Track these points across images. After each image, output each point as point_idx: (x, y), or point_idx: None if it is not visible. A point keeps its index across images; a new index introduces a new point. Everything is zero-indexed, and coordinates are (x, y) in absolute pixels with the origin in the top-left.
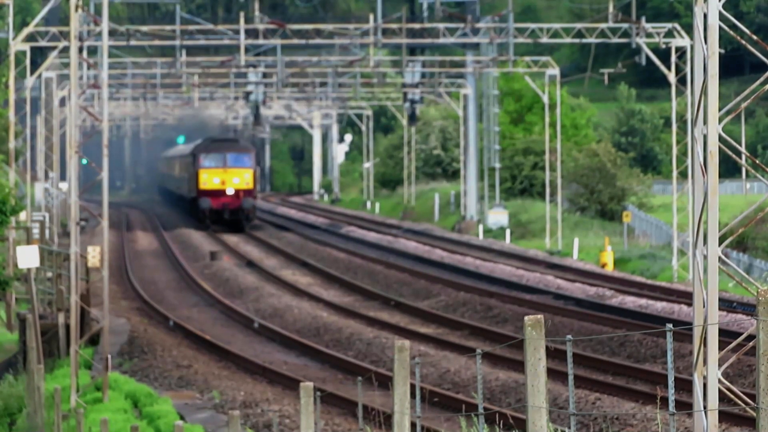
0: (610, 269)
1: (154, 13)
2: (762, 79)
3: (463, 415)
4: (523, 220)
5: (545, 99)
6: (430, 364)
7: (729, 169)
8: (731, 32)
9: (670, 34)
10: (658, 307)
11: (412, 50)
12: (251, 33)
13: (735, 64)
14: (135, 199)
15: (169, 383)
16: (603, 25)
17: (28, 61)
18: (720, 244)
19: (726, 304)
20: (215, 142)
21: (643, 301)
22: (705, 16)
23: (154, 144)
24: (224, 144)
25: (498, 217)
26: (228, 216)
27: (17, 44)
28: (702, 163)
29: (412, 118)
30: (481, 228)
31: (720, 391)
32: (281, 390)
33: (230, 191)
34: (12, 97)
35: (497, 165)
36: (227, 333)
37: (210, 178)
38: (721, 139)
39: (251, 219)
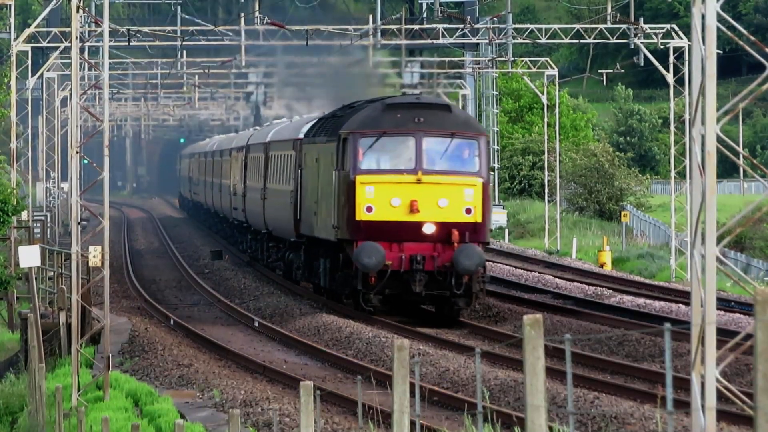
0: (608, 269)
1: (154, 14)
2: (760, 79)
3: (462, 414)
4: (522, 219)
5: (544, 99)
6: (430, 363)
7: (727, 169)
8: (729, 33)
9: (668, 34)
10: (656, 306)
11: (411, 51)
12: (251, 34)
13: (733, 65)
14: (136, 200)
15: (169, 382)
16: (601, 26)
17: (29, 62)
18: (718, 244)
19: (724, 304)
20: (394, 108)
21: (641, 301)
22: (703, 16)
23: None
24: (417, 114)
25: (497, 216)
26: (419, 286)
27: (19, 45)
28: (700, 163)
29: None
30: None
31: (718, 390)
32: (281, 389)
33: (429, 229)
34: (14, 97)
35: (496, 165)
36: (227, 332)
37: (382, 199)
38: (718, 139)
39: (475, 295)
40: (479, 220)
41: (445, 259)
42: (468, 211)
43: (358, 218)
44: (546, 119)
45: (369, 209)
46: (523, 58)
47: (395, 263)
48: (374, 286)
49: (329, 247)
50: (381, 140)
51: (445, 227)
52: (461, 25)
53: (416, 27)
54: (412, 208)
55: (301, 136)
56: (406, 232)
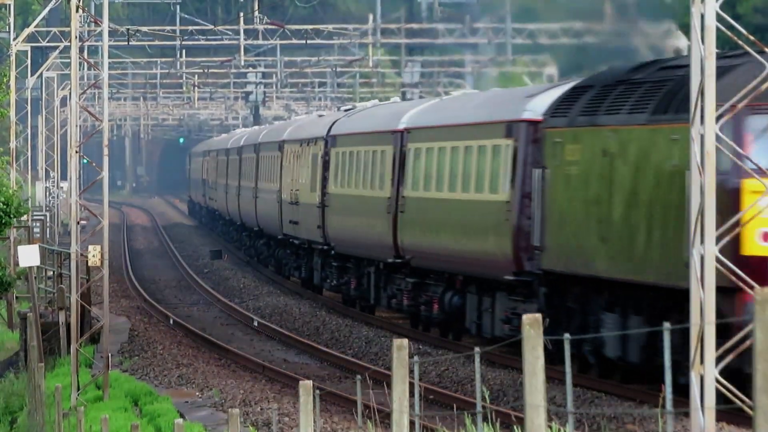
0: None
1: (153, 13)
2: (759, 79)
3: (461, 414)
4: None
5: None
6: (429, 362)
7: None
8: (728, 33)
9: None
10: None
11: (411, 50)
12: (251, 33)
13: None
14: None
15: (169, 381)
16: (600, 26)
17: (29, 61)
18: (717, 243)
19: None
20: None
21: None
22: (702, 16)
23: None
24: None
25: None
26: None
27: (18, 44)
28: (699, 162)
29: None
30: None
31: (717, 389)
32: (280, 388)
33: None
34: (13, 96)
35: None
36: (227, 331)
37: None
38: (718, 138)
39: None
40: None
41: None
42: None
43: (746, 252)
44: None
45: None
46: (522, 57)
47: None
48: None
49: (645, 294)
50: None
51: None
52: (461, 25)
53: (416, 26)
54: None
55: (531, 116)
56: None
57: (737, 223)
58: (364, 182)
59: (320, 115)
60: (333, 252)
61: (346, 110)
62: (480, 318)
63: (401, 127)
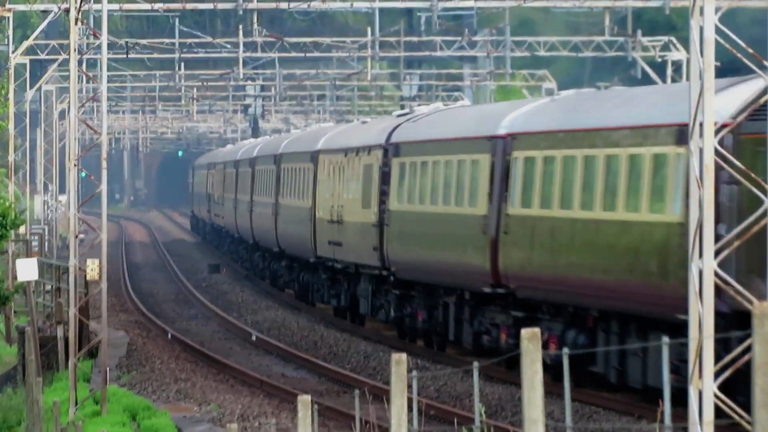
0: None
1: (152, 26)
2: (758, 93)
3: (459, 428)
4: None
5: None
6: (428, 377)
7: None
8: (727, 45)
9: (666, 47)
10: None
11: (410, 63)
12: (249, 46)
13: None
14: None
15: (167, 396)
16: (599, 39)
17: (27, 74)
18: (716, 258)
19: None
20: None
21: None
22: (701, 29)
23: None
24: None
25: None
26: None
27: (17, 57)
28: (698, 176)
29: None
30: None
31: (716, 404)
32: (279, 403)
33: None
34: (12, 109)
35: None
36: (225, 346)
37: None
38: (717, 152)
39: None
40: None
41: None
42: None
43: None
44: None
45: None
46: (521, 71)
47: None
48: None
49: None
50: None
51: None
52: (459, 38)
53: (415, 39)
54: None
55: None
56: None
57: (736, 238)
58: (444, 197)
59: (363, 122)
60: (393, 278)
61: (400, 116)
62: (622, 363)
63: (502, 132)
